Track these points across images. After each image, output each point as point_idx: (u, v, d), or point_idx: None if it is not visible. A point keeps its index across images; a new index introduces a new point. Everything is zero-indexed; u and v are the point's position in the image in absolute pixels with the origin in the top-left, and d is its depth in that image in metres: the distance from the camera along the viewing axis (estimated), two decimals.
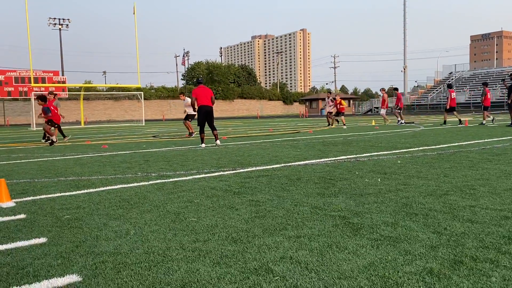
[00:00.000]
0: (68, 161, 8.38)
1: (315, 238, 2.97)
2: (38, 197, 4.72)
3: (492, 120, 19.07)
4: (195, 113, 16.96)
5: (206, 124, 10.98)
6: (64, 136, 14.58)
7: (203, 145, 10.71)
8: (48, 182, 5.75)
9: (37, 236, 3.22)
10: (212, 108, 10.93)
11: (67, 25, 62.06)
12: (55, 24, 61.52)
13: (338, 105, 20.27)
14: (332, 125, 20.90)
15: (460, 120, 18.88)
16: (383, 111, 21.74)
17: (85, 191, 5.01)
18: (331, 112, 20.63)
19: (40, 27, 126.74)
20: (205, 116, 10.82)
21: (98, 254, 2.76)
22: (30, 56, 23.46)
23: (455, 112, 19.33)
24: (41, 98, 13.22)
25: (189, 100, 15.04)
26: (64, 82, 43.74)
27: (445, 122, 19.39)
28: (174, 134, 17.69)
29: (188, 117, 16.22)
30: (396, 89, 22.01)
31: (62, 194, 4.85)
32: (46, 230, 3.38)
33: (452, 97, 19.14)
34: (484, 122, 18.60)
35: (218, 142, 10.84)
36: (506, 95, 18.49)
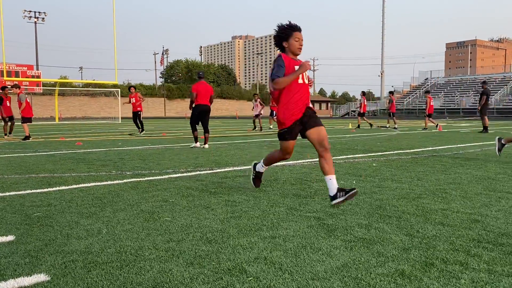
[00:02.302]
0: (40, 157, 8.17)
1: (290, 239, 2.97)
2: (7, 193, 4.57)
3: (389, 126, 21.73)
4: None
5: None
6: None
7: (198, 144, 10.17)
8: (19, 178, 5.59)
9: (4, 234, 3.11)
10: (209, 108, 10.24)
11: (43, 18, 60.50)
12: (30, 17, 59.90)
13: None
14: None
15: (358, 125, 21.84)
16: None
17: (57, 188, 4.88)
18: (258, 115, 20.02)
19: (14, 19, 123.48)
20: (201, 115, 10.18)
21: (68, 253, 2.69)
22: (3, 49, 22.83)
23: (364, 117, 22.05)
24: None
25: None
26: (38, 77, 42.66)
27: (359, 126, 21.75)
28: (151, 133, 17.48)
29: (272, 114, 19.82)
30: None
31: (32, 191, 4.72)
32: (14, 227, 3.28)
33: (364, 103, 21.50)
34: (387, 126, 21.92)
35: (206, 146, 10.14)
36: (478, 102, 19.28)
